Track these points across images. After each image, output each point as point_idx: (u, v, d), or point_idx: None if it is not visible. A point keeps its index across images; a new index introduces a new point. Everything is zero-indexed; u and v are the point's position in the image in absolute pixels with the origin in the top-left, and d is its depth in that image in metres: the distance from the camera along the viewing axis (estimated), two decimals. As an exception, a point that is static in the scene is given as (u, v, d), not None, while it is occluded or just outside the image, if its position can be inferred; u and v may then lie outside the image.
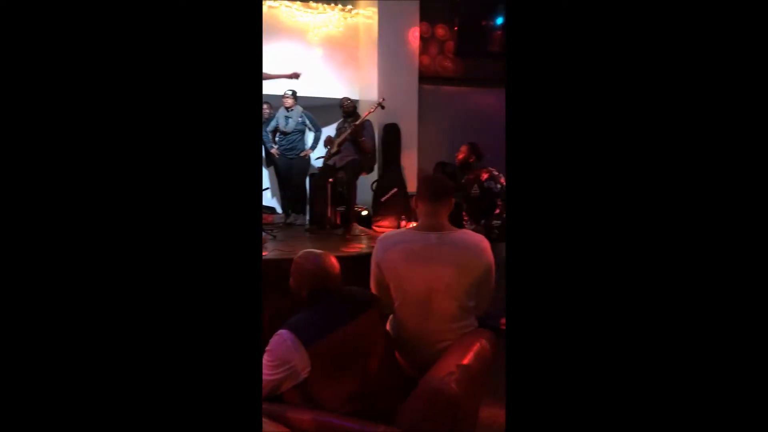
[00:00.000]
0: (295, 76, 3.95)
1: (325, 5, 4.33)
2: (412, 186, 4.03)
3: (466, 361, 1.21)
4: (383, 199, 3.83)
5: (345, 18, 4.41)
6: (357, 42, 4.49)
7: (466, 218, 3.07)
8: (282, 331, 1.16)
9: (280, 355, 1.14)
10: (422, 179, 1.59)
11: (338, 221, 3.44)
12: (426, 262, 1.41)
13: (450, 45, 4.48)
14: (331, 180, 3.44)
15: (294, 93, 3.96)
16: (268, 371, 1.14)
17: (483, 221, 2.91)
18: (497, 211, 2.87)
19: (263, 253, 2.42)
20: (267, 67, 3.75)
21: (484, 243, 1.48)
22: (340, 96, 3.88)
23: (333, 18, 4.37)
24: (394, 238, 1.50)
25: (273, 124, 4.06)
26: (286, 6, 4.19)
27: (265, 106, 4.16)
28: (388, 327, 1.52)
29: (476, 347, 1.30)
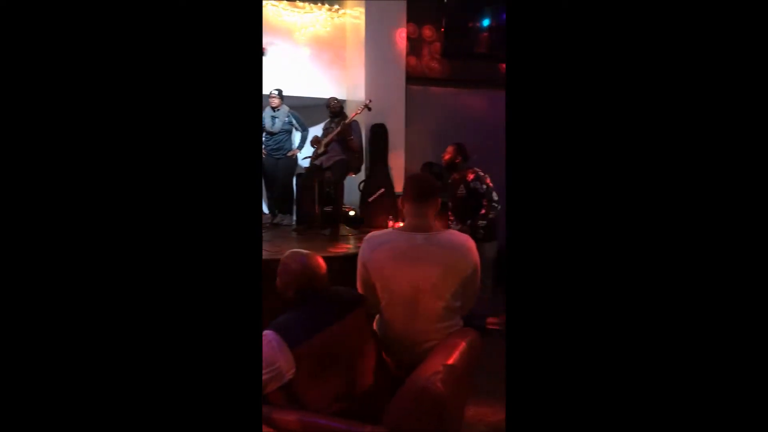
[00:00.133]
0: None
1: (312, 5, 4.32)
2: (399, 186, 4.04)
3: (451, 361, 1.22)
4: (371, 199, 3.83)
5: (332, 18, 4.40)
6: (344, 42, 4.49)
7: (451, 218, 3.09)
8: (267, 332, 1.16)
9: (265, 356, 1.13)
10: (408, 179, 1.59)
11: (325, 221, 3.44)
12: (412, 263, 1.42)
13: (437, 46, 4.50)
14: (318, 180, 3.44)
15: (280, 92, 3.94)
16: (254, 372, 1.14)
17: (469, 221, 2.93)
18: (483, 211, 2.90)
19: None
20: None
21: (469, 243, 1.50)
22: (326, 96, 3.87)
23: (320, 18, 4.36)
24: (381, 239, 1.50)
25: (259, 123, 4.03)
26: (273, 5, 4.17)
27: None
28: (374, 327, 1.53)
29: (462, 347, 1.32)
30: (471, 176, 2.96)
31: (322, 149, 3.59)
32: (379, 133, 4.16)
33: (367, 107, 3.59)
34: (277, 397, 1.16)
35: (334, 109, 3.72)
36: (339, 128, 3.51)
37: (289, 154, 4.04)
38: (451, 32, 4.49)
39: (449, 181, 3.09)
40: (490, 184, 2.94)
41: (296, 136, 4.11)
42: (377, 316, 1.52)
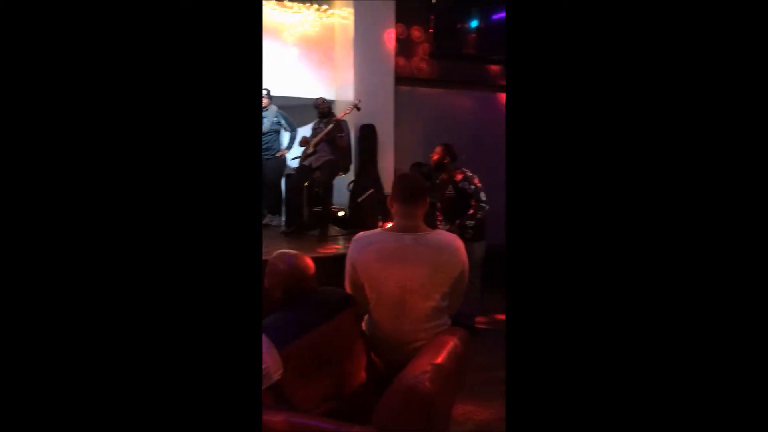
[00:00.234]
0: None
1: (300, 5, 4.30)
2: (388, 187, 4.04)
3: (439, 360, 1.23)
4: (360, 199, 3.83)
5: (321, 18, 4.39)
6: (333, 42, 4.48)
7: (440, 218, 3.11)
8: (255, 333, 1.15)
9: (254, 357, 1.13)
10: (397, 179, 1.59)
11: (314, 222, 3.43)
12: (401, 263, 1.43)
13: (425, 47, 4.52)
14: (307, 181, 3.43)
15: (268, 92, 3.92)
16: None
17: (457, 221, 2.95)
18: (471, 211, 2.92)
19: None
20: None
21: (457, 243, 1.51)
22: (315, 96, 3.86)
23: (308, 18, 4.34)
24: (369, 239, 1.51)
25: (247, 123, 3.99)
26: (261, 4, 4.14)
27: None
28: (363, 327, 1.53)
29: (450, 346, 1.32)
30: (459, 176, 2.98)
31: (311, 149, 3.58)
32: (368, 133, 4.16)
33: (356, 107, 3.59)
34: (264, 398, 1.16)
35: (322, 110, 3.72)
36: (328, 127, 3.51)
37: (278, 154, 4.02)
38: (439, 33, 4.52)
39: (437, 181, 3.11)
40: (479, 185, 2.96)
41: (285, 137, 4.09)
42: (366, 316, 1.52)
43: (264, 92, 3.89)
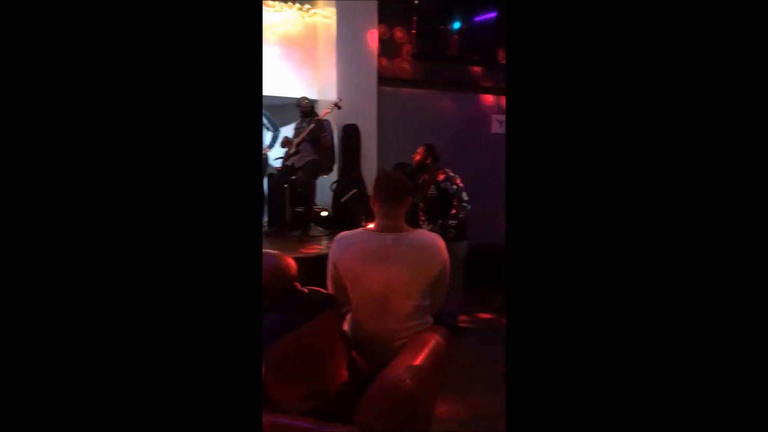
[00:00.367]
0: None
1: (283, 4, 4.27)
2: (372, 187, 4.04)
3: (421, 358, 1.24)
4: (343, 199, 3.83)
5: (303, 17, 4.37)
6: (315, 42, 4.47)
7: (422, 218, 3.13)
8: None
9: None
10: (378, 179, 1.59)
11: (296, 222, 3.41)
12: (382, 262, 1.43)
13: (408, 48, 4.54)
14: (289, 180, 3.41)
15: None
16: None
17: (440, 221, 2.98)
18: (453, 211, 2.95)
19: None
20: None
21: (439, 243, 1.52)
22: (297, 95, 3.84)
23: (291, 17, 4.32)
24: (351, 239, 1.51)
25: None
26: (242, 2, 4.10)
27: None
28: (345, 326, 1.53)
29: (431, 344, 1.34)
30: (441, 177, 3.00)
31: (293, 149, 3.56)
32: (351, 133, 4.16)
33: (337, 106, 3.59)
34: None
35: (305, 109, 3.70)
36: (310, 126, 3.49)
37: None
38: (422, 34, 4.54)
39: (420, 181, 3.12)
40: (461, 185, 2.99)
41: (267, 136, 4.05)
42: (348, 316, 1.53)
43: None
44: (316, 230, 3.57)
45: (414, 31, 4.52)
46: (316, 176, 3.61)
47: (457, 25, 4.71)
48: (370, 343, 1.47)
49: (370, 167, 4.19)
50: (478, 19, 4.69)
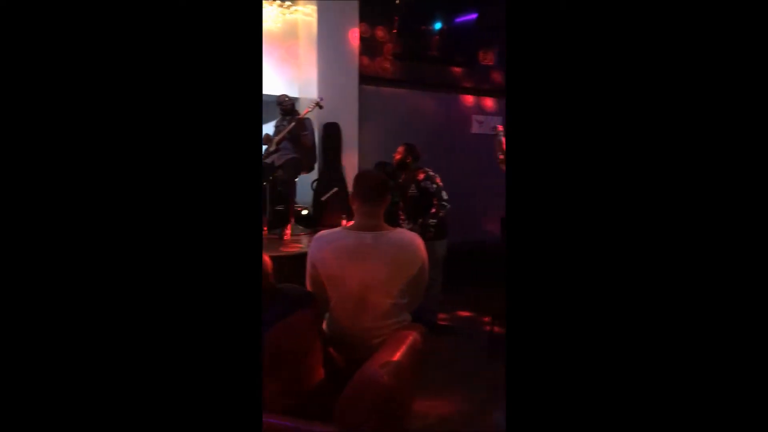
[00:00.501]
0: None
1: (263, 0, 4.23)
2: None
3: (398, 354, 1.25)
4: (324, 198, 3.82)
5: (284, 14, 4.33)
6: (296, 39, 4.43)
7: (402, 217, 3.15)
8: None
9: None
10: (357, 178, 1.58)
11: (276, 221, 3.39)
12: (361, 261, 1.44)
13: (389, 47, 4.56)
14: (269, 179, 3.38)
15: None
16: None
17: (420, 220, 3.00)
18: (433, 210, 2.97)
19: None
20: None
21: (417, 241, 1.53)
22: (278, 93, 3.81)
23: (271, 13, 4.28)
24: (330, 237, 1.51)
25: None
26: (222, -2, 4.04)
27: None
28: (324, 325, 1.53)
29: (408, 341, 1.35)
30: (421, 176, 3.02)
31: (273, 147, 3.53)
32: (332, 131, 4.15)
33: (319, 105, 3.57)
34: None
35: (285, 107, 3.67)
36: (291, 124, 3.47)
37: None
38: (403, 34, 4.56)
39: (400, 180, 3.14)
40: (441, 184, 3.02)
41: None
42: (327, 314, 1.53)
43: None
44: (297, 229, 3.55)
45: (395, 31, 4.54)
46: (296, 175, 3.58)
47: (438, 25, 4.74)
48: (348, 341, 1.48)
49: (351, 166, 4.19)
50: (458, 20, 4.74)
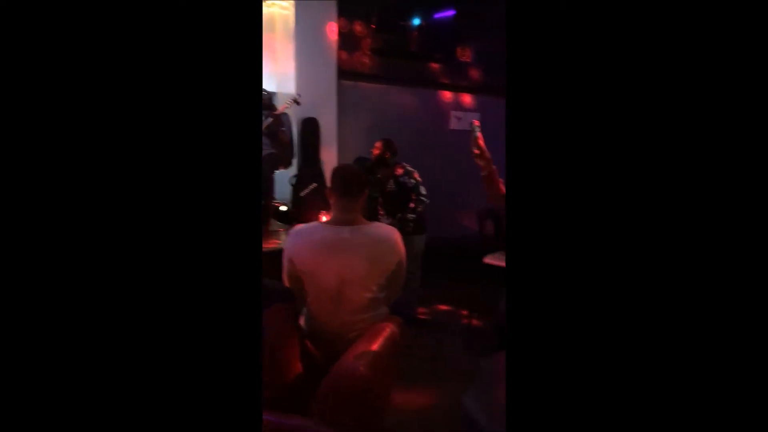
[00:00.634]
0: None
1: (239, -8, 4.16)
2: (331, 181, 4.03)
3: (375, 345, 1.26)
4: (303, 193, 3.79)
5: (260, 7, 4.27)
6: (273, 33, 4.38)
7: (381, 212, 3.16)
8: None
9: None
10: (335, 172, 1.58)
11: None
12: (338, 255, 1.44)
13: (368, 42, 4.55)
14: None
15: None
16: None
17: (398, 215, 3.02)
18: (412, 205, 2.99)
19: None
20: None
21: (395, 235, 1.54)
22: (255, 88, 3.76)
23: (248, 6, 4.21)
24: (306, 231, 1.51)
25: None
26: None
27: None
28: (302, 321, 1.53)
29: (386, 333, 1.37)
30: (400, 171, 3.04)
31: (250, 142, 3.49)
32: (310, 127, 4.12)
33: (296, 102, 3.54)
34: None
35: (263, 102, 3.63)
36: (269, 120, 3.44)
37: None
38: (381, 29, 4.56)
39: (379, 176, 3.15)
40: (419, 179, 3.04)
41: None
42: (304, 309, 1.53)
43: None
44: (275, 225, 3.53)
45: (373, 26, 4.53)
46: (273, 170, 3.55)
47: (416, 21, 4.76)
48: (325, 335, 1.48)
49: (330, 161, 4.17)
50: (437, 16, 4.76)
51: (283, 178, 3.92)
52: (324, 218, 3.17)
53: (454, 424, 1.96)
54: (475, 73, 5.06)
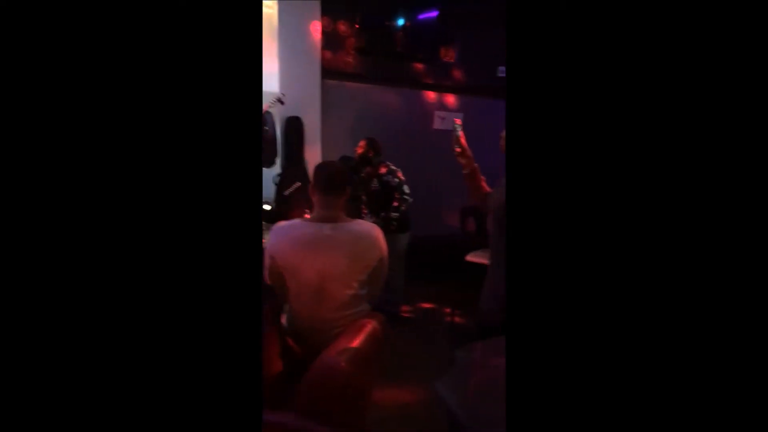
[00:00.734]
0: None
1: (222, -11, 4.12)
2: (315, 180, 4.02)
3: (357, 341, 1.27)
4: (286, 192, 3.78)
5: (243, 5, 4.24)
6: (257, 31, 4.35)
7: (365, 211, 3.17)
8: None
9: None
10: (317, 170, 1.58)
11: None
12: (319, 251, 1.45)
13: (352, 42, 4.55)
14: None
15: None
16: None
17: (382, 214, 3.03)
18: (395, 203, 3.01)
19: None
20: None
21: (376, 232, 1.56)
22: (238, 86, 3.73)
23: (230, 4, 4.18)
24: (287, 228, 1.51)
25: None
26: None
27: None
28: (284, 317, 1.53)
29: (367, 329, 1.38)
30: (383, 170, 3.05)
31: (233, 141, 3.46)
32: (294, 126, 4.10)
33: (280, 101, 3.53)
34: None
35: (245, 100, 3.60)
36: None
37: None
38: (366, 29, 4.57)
39: (363, 174, 3.16)
40: (402, 178, 3.06)
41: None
42: (286, 306, 1.53)
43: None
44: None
45: (357, 26, 4.53)
46: (257, 169, 3.53)
47: (401, 21, 4.78)
48: (307, 332, 1.48)
49: (314, 160, 4.16)
50: (421, 16, 4.79)
51: (267, 177, 3.90)
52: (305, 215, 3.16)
53: (435, 421, 1.98)
54: (458, 74, 5.11)
